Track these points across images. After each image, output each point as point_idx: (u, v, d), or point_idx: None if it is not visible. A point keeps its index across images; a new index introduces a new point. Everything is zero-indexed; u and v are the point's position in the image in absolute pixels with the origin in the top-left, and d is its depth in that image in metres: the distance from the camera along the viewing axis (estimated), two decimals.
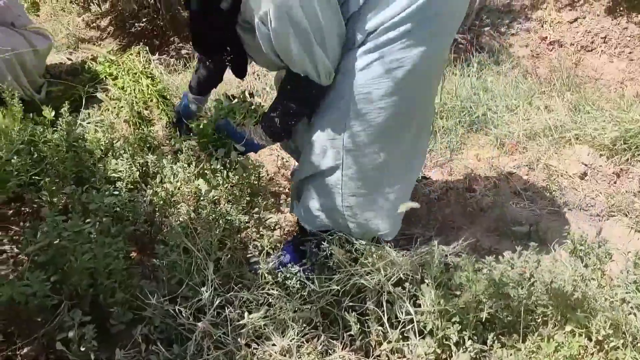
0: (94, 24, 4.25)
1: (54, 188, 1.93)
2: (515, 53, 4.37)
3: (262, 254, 1.64)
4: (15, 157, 1.96)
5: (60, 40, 3.56)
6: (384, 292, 1.65)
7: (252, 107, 1.90)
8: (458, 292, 1.67)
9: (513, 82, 3.52)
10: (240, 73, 1.81)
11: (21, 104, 2.08)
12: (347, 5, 1.49)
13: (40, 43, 2.69)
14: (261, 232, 1.89)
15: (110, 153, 2.28)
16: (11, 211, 2.05)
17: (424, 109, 1.74)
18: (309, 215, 1.80)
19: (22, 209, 2.07)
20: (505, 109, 3.14)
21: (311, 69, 1.52)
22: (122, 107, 2.73)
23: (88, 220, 1.75)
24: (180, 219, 1.82)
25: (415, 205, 1.66)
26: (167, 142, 2.61)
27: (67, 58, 3.16)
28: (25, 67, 2.61)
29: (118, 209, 1.83)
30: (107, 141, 2.32)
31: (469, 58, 3.98)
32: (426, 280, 1.68)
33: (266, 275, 1.65)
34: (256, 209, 1.95)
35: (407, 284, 1.67)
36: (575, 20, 4.63)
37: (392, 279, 1.66)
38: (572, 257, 1.91)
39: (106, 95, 2.78)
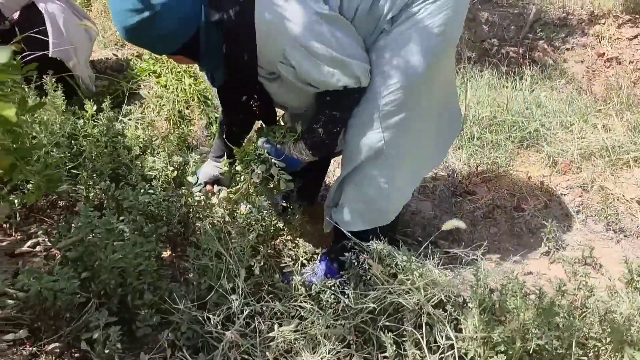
0: None
1: (90, 183, 1.91)
2: (569, 69, 4.18)
3: (296, 264, 1.56)
4: (54, 150, 1.95)
5: (108, 37, 3.59)
6: (423, 313, 1.54)
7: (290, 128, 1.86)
8: (503, 318, 1.55)
9: (568, 98, 3.35)
10: (269, 118, 1.84)
11: (63, 96, 2.07)
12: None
13: (92, 34, 2.71)
14: (296, 241, 1.82)
15: (148, 151, 2.25)
16: (47, 203, 2.04)
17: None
18: (351, 214, 1.75)
19: (58, 202, 2.05)
20: (559, 126, 2.98)
21: (349, 80, 1.55)
22: (163, 105, 2.72)
23: (122, 217, 1.72)
24: (214, 222, 1.76)
25: (461, 225, 1.56)
26: (207, 142, 2.57)
27: (113, 54, 3.18)
28: (84, 52, 2.63)
29: (152, 207, 1.79)
30: (146, 138, 2.29)
31: (521, 71, 3.82)
32: (469, 304, 1.56)
33: (299, 286, 1.57)
34: (292, 217, 1.88)
35: (448, 307, 1.56)
36: (636, 37, 4.41)
37: (432, 300, 1.55)
38: (629, 289, 1.76)
39: (148, 93, 2.78)
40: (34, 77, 2.12)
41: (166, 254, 1.86)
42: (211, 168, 2.04)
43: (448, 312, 1.55)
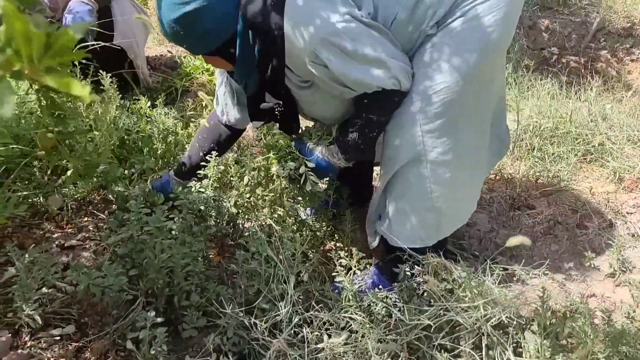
0: None
1: (142, 180, 1.90)
2: (634, 81, 3.96)
3: (348, 274, 1.49)
4: (106, 146, 1.95)
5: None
6: (482, 333, 1.44)
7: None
8: (565, 343, 1.43)
9: (635, 111, 3.16)
10: (290, 128, 1.74)
11: (118, 92, 2.08)
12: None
13: (149, 28, 2.73)
14: (349, 248, 1.75)
15: None
16: (99, 197, 2.05)
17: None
18: (398, 227, 1.64)
19: (110, 197, 2.05)
20: (625, 141, 2.80)
21: (387, 81, 1.45)
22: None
23: (172, 215, 1.69)
24: (264, 223, 1.72)
25: (527, 242, 1.45)
26: (257, 142, 2.54)
27: (168, 51, 3.20)
28: (141, 43, 2.65)
29: (202, 207, 1.75)
30: None
31: (583, 82, 3.64)
32: (532, 327, 1.46)
33: (350, 297, 1.50)
34: (344, 222, 1.81)
35: (510, 329, 1.45)
36: None
37: (492, 320, 1.45)
38: None
39: (201, 90, 2.77)
40: (90, 69, 2.13)
41: (214, 254, 1.82)
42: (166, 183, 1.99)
43: (510, 335, 1.45)
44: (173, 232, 1.62)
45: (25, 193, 1.83)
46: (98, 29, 2.32)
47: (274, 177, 1.74)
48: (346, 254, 1.76)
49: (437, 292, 1.48)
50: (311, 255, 1.66)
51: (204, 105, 2.59)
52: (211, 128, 1.95)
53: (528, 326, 1.48)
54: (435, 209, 1.60)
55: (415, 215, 1.61)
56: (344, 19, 1.38)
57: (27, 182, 1.91)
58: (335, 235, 1.89)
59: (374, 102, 1.51)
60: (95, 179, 1.70)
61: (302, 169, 1.64)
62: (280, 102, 1.63)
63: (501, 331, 1.46)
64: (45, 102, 1.15)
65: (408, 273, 1.60)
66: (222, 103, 1.91)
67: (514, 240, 1.47)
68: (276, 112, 1.65)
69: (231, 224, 1.84)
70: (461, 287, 1.52)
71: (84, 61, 2.08)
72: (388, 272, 1.70)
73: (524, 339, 1.45)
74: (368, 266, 1.76)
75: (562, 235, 2.21)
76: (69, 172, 1.76)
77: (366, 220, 1.76)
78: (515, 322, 1.47)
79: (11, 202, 1.16)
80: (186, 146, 2.20)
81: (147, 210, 1.59)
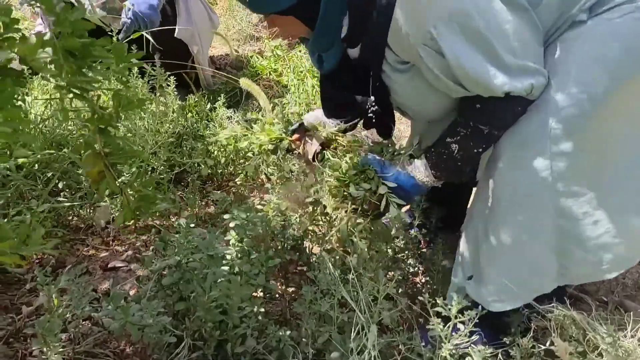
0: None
1: (195, 192, 1.65)
2: None
3: (447, 326, 1.15)
4: (161, 148, 1.72)
5: (231, 35, 3.42)
6: None
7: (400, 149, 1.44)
8: None
9: None
10: (387, 131, 1.42)
11: (175, 92, 1.84)
12: None
13: (214, 18, 2.52)
14: (441, 289, 1.40)
15: (262, 157, 1.96)
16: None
17: None
18: (500, 289, 1.26)
19: (163, 211, 1.82)
20: None
21: (518, 86, 1.09)
22: (283, 107, 2.44)
23: (227, 237, 1.42)
24: (337, 255, 1.41)
25: None
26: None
27: (235, 50, 2.98)
28: (205, 39, 2.44)
29: (263, 229, 1.47)
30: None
31: None
32: None
33: (448, 357, 1.16)
34: (434, 251, 1.47)
35: None
36: None
37: None
38: None
39: (266, 94, 2.52)
40: (147, 69, 1.92)
41: (276, 287, 1.53)
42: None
43: None
44: (228, 258, 1.34)
45: (69, 204, 1.63)
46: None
47: (348, 199, 1.40)
48: (436, 292, 1.42)
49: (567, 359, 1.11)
50: (396, 295, 1.33)
51: (268, 109, 2.33)
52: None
53: None
54: (563, 253, 1.22)
55: (532, 269, 1.24)
56: None
57: (74, 191, 1.71)
58: (422, 266, 1.55)
59: (489, 108, 1.15)
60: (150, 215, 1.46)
61: (381, 190, 1.30)
62: (372, 98, 1.30)
63: None
64: (92, 114, 0.90)
65: (523, 324, 1.24)
66: None
67: None
68: (370, 113, 1.32)
69: (296, 250, 1.54)
70: (597, 350, 1.15)
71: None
72: (494, 321, 1.34)
73: None
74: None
75: None
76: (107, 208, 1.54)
77: (452, 278, 1.40)
78: None
79: (35, 236, 0.90)
80: (248, 154, 1.94)
81: (199, 231, 1.32)
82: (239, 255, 1.35)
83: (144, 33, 1.99)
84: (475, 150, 1.23)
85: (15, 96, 0.79)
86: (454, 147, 1.24)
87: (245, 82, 1.74)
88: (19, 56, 0.75)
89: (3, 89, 0.77)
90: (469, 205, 1.41)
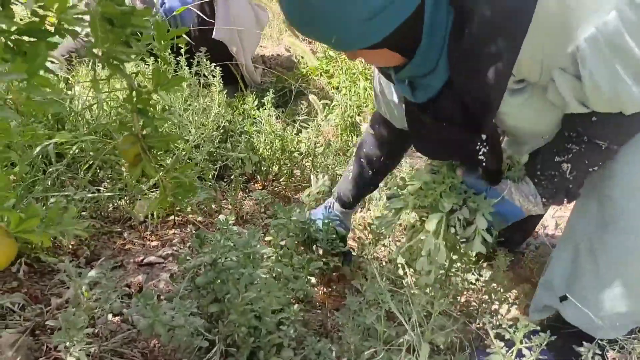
0: None
1: (237, 189, 1.56)
2: None
3: (511, 351, 1.01)
4: (204, 141, 1.65)
5: (282, 38, 3.37)
6: None
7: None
8: None
9: None
10: (497, 176, 1.14)
11: (222, 84, 1.78)
12: None
13: (262, 15, 2.45)
14: (497, 308, 1.26)
15: (310, 158, 1.86)
16: (195, 204, 1.74)
17: None
18: (617, 312, 1.10)
19: (202, 206, 1.75)
20: None
21: None
22: (333, 108, 2.35)
23: (269, 238, 1.33)
24: (386, 262, 1.29)
25: None
26: None
27: (285, 49, 2.91)
28: (249, 38, 2.38)
29: (308, 231, 1.37)
30: (309, 144, 1.91)
31: None
32: None
33: None
34: (495, 273, 1.32)
35: None
36: None
37: None
38: None
39: (317, 95, 2.43)
40: (194, 61, 1.86)
41: (317, 294, 1.43)
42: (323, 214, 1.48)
43: None
44: (268, 261, 1.25)
45: (109, 194, 1.57)
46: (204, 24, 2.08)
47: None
48: (496, 313, 1.27)
49: None
50: (451, 312, 1.19)
51: (318, 110, 2.24)
52: (377, 135, 1.45)
53: None
54: None
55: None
56: (628, 3, 0.84)
57: (114, 181, 1.67)
58: (478, 282, 1.40)
59: (610, 121, 0.99)
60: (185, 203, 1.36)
61: (480, 223, 1.10)
62: (484, 136, 1.06)
63: None
64: (130, 92, 0.83)
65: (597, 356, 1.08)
66: (383, 99, 1.38)
67: None
68: (481, 154, 1.08)
69: (342, 254, 1.43)
70: None
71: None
72: (562, 351, 1.18)
73: None
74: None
75: None
76: (153, 195, 1.47)
77: (535, 299, 1.25)
78: None
79: (68, 215, 0.84)
80: (294, 154, 1.85)
81: (237, 230, 1.23)
82: (278, 256, 1.26)
83: (184, 34, 1.96)
84: (590, 170, 1.07)
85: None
86: (566, 167, 1.07)
87: (291, 41, 1.64)
88: (48, 12, 0.68)
89: (36, 53, 0.70)
90: (568, 219, 1.23)
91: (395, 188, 1.19)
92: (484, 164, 1.09)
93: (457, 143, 1.10)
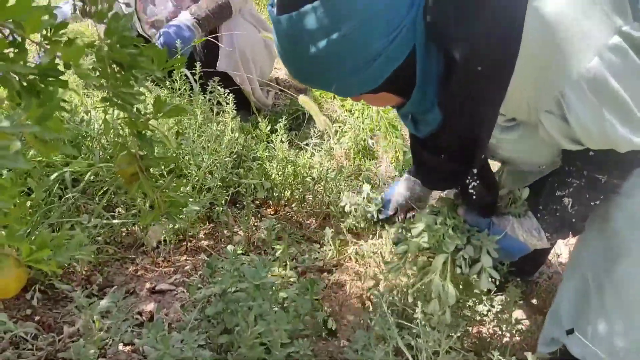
0: None
1: (250, 216, 1.57)
2: None
3: None
4: (217, 168, 1.66)
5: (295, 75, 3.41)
6: None
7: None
8: None
9: None
10: (489, 211, 1.17)
11: (235, 110, 1.80)
12: None
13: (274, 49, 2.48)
14: (507, 340, 1.24)
15: (322, 183, 1.87)
16: (204, 232, 1.76)
17: None
18: (613, 347, 1.08)
19: (217, 231, 1.76)
20: None
21: None
22: (345, 132, 2.35)
23: (277, 267, 1.33)
24: (397, 292, 1.28)
25: None
26: (391, 180, 2.12)
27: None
28: (257, 65, 2.41)
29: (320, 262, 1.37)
30: (321, 169, 1.92)
31: None
32: None
33: None
34: (506, 305, 1.31)
35: None
36: None
37: None
38: None
39: (329, 118, 2.44)
40: (208, 86, 1.89)
41: (325, 315, 1.42)
42: (406, 187, 1.44)
43: None
44: (275, 289, 1.25)
45: (122, 221, 1.59)
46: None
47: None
48: (511, 353, 1.25)
49: None
50: (461, 349, 1.18)
51: (330, 134, 2.25)
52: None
53: None
54: None
55: None
56: (614, 43, 0.85)
57: (128, 207, 1.69)
58: (489, 313, 1.39)
59: (608, 158, 0.99)
60: (179, 221, 1.37)
61: (485, 262, 1.10)
62: (474, 170, 1.10)
63: None
64: (128, 116, 0.85)
65: None
66: None
67: None
68: (470, 188, 1.13)
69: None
70: None
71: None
72: None
73: None
74: None
75: None
76: (160, 228, 1.49)
77: (543, 332, 1.24)
78: None
79: (75, 242, 0.85)
80: (306, 179, 1.85)
81: (246, 259, 1.24)
82: (286, 285, 1.26)
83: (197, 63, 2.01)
84: (592, 203, 1.07)
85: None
86: (567, 201, 1.08)
87: (303, 100, 1.65)
88: (62, 61, 0.70)
89: (50, 95, 0.72)
90: (573, 250, 1.23)
91: (401, 231, 1.20)
92: (474, 196, 1.12)
93: (453, 175, 1.13)
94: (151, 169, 0.97)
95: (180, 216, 1.02)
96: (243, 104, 2.25)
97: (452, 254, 1.10)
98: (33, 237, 0.80)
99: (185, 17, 2.19)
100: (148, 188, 0.96)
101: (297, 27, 0.88)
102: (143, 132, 0.89)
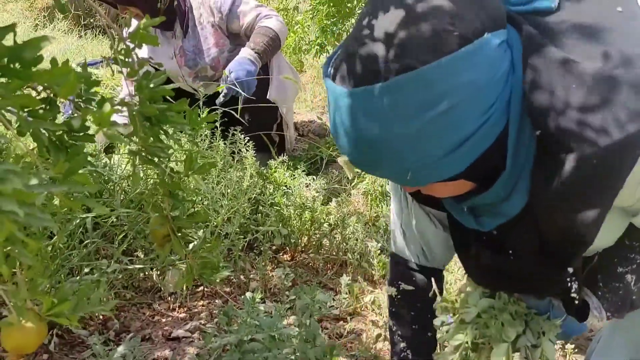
0: None
1: (267, 262, 1.58)
2: None
3: None
4: (235, 214, 1.68)
5: (315, 102, 3.47)
6: None
7: None
8: None
9: None
10: (585, 314, 1.03)
11: (255, 156, 1.83)
12: None
13: (295, 89, 2.54)
14: None
15: (338, 230, 1.87)
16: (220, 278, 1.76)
17: None
18: None
19: (232, 278, 1.76)
20: None
21: None
22: (364, 177, 2.37)
23: (294, 316, 1.32)
24: None
25: None
26: None
27: (318, 117, 2.98)
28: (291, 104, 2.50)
29: (335, 310, 1.36)
30: (338, 214, 1.92)
31: None
32: None
33: None
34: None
35: None
36: None
37: None
38: None
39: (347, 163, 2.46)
40: (229, 133, 1.93)
41: None
42: None
43: None
44: (292, 341, 1.24)
45: (140, 266, 1.61)
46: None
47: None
48: None
49: None
50: None
51: (348, 177, 2.26)
52: (405, 292, 1.25)
53: None
54: None
55: None
56: None
57: (147, 251, 1.70)
58: None
59: None
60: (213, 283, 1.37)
61: (547, 350, 1.02)
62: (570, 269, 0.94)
63: None
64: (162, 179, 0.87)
65: None
66: (413, 239, 1.22)
67: None
68: (574, 291, 0.96)
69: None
70: None
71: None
72: None
73: None
74: None
75: None
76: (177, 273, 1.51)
77: None
78: None
79: (96, 296, 0.85)
80: (324, 225, 1.86)
81: (262, 309, 1.24)
82: (305, 336, 1.25)
83: (238, 97, 2.07)
84: None
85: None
86: (629, 278, 1.00)
87: (343, 161, 1.66)
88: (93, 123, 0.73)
89: (77, 151, 0.74)
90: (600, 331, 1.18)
91: (444, 315, 1.12)
92: (576, 301, 0.97)
93: (528, 275, 0.97)
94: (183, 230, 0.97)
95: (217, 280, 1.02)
96: (262, 148, 2.29)
97: (512, 343, 1.02)
98: (53, 289, 0.81)
99: (247, 52, 2.26)
100: (180, 250, 0.95)
101: (378, 103, 0.74)
102: (176, 192, 0.90)
